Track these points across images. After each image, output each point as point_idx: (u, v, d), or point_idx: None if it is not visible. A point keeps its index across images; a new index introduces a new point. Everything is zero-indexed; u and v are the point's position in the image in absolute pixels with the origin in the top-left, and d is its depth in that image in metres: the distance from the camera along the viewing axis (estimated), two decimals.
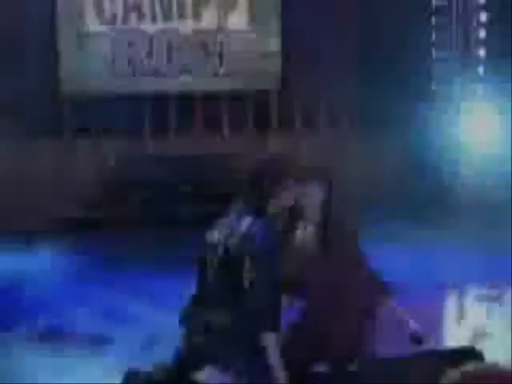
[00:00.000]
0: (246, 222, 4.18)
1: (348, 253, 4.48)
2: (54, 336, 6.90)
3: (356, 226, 4.68)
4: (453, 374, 2.25)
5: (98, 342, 6.71)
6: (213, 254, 4.26)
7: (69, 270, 9.27)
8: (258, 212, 4.21)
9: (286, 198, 4.31)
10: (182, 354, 4.32)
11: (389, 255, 9.53)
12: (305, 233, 4.60)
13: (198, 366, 4.36)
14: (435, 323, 7.06)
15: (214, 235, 4.29)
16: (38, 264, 9.62)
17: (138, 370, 4.37)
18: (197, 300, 4.33)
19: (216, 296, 4.22)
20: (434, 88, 13.16)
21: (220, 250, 4.22)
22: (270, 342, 4.07)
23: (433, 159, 12.48)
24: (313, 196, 4.54)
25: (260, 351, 4.08)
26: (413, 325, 4.64)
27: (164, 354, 4.44)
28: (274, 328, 4.11)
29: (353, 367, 4.42)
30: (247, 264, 4.08)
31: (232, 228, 4.21)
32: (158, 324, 6.41)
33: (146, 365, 4.40)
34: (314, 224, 4.56)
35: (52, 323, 7.24)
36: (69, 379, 5.78)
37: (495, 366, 2.25)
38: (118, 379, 4.36)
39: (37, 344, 6.70)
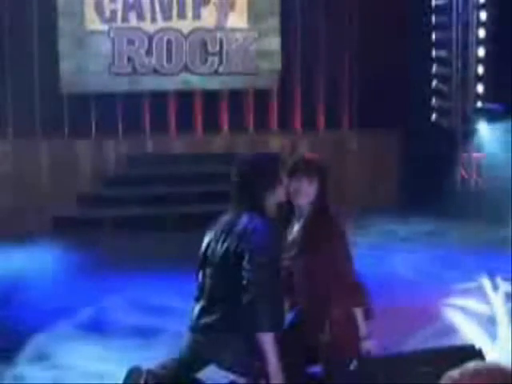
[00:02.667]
0: (244, 219, 4.16)
1: (336, 251, 4.44)
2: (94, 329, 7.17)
3: (346, 224, 4.63)
4: (453, 373, 2.24)
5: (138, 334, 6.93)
6: (212, 253, 4.25)
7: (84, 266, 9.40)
8: (255, 209, 4.18)
9: (281, 194, 4.29)
10: (182, 353, 4.31)
11: (387, 255, 9.58)
12: (294, 229, 4.57)
13: (199, 366, 4.34)
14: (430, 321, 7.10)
15: (213, 234, 4.28)
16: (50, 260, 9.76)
17: (141, 368, 4.36)
18: (197, 299, 4.32)
19: (215, 295, 4.21)
20: (433, 88, 13.16)
21: (219, 249, 4.20)
22: (269, 341, 4.05)
23: (432, 159, 12.48)
24: (306, 193, 4.51)
25: (259, 351, 4.06)
26: (368, 344, 4.49)
27: None
28: (274, 327, 4.09)
29: (352, 367, 4.40)
30: (246, 262, 4.07)
31: (230, 226, 4.19)
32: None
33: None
34: (304, 221, 4.53)
35: (90, 317, 7.49)
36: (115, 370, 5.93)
37: (496, 364, 2.24)
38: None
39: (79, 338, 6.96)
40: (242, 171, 4.30)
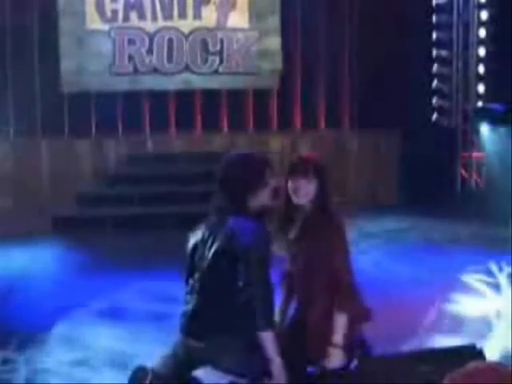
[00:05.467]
0: (230, 222, 4.10)
1: (335, 250, 4.44)
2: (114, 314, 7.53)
3: (346, 223, 4.62)
4: (453, 373, 2.24)
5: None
6: (200, 257, 4.21)
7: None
8: (240, 210, 4.14)
9: (265, 196, 4.25)
10: (178, 354, 4.29)
11: (387, 255, 9.59)
12: (295, 228, 4.56)
13: (195, 366, 4.33)
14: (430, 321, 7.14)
15: (200, 237, 4.24)
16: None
17: (147, 368, 4.35)
18: (186, 303, 4.28)
19: (206, 298, 4.18)
20: (434, 87, 13.16)
21: (207, 253, 4.16)
22: (269, 339, 4.05)
23: (432, 159, 12.48)
24: (305, 192, 4.50)
25: (258, 350, 4.06)
26: (334, 352, 4.39)
27: None
28: (272, 324, 4.09)
29: (352, 366, 4.40)
30: (239, 264, 4.04)
31: (216, 229, 4.15)
32: None
33: None
34: (304, 219, 4.53)
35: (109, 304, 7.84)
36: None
37: (496, 364, 2.25)
38: None
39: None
40: (224, 171, 4.25)
